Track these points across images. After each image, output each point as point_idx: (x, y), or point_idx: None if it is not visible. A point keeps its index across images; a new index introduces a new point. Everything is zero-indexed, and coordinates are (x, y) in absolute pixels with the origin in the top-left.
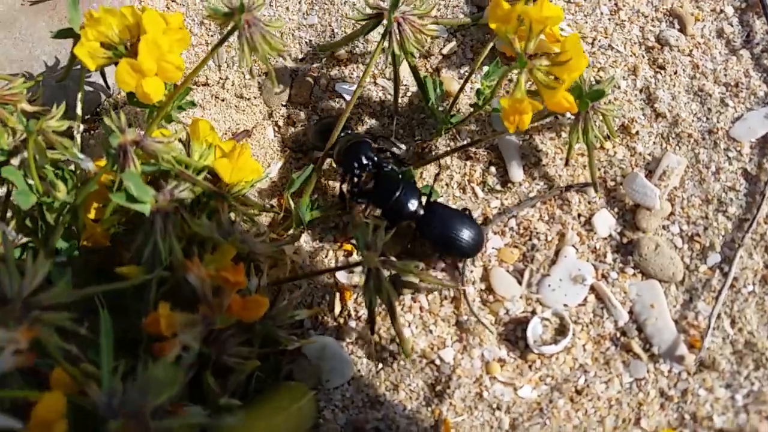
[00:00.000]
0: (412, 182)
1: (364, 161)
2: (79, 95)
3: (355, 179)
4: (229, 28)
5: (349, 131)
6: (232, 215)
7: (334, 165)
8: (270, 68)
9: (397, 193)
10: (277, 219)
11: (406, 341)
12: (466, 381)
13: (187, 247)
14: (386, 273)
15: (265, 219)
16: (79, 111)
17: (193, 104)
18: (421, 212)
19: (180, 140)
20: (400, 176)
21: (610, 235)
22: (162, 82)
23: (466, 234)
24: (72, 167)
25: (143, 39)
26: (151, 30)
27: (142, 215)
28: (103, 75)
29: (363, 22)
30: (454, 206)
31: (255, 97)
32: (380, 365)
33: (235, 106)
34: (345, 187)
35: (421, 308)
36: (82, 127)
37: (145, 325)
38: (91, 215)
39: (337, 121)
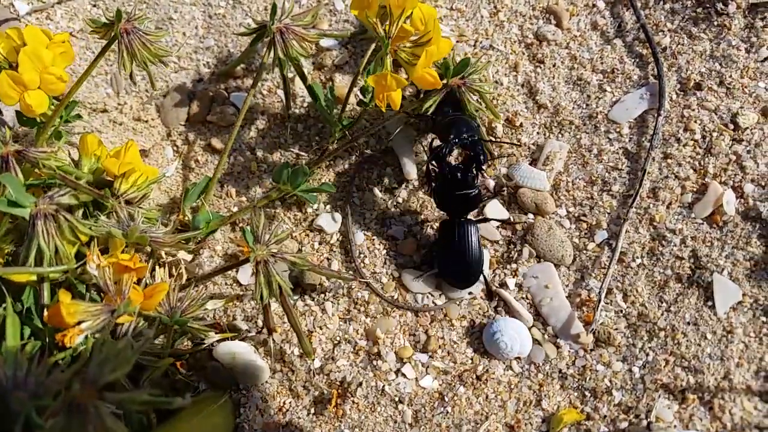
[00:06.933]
0: None
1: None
2: None
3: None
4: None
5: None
6: (132, 213)
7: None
8: (149, 72)
9: None
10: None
11: (305, 341)
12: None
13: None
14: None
15: None
16: None
17: (79, 117)
18: None
19: (73, 159)
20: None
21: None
22: (45, 95)
23: None
24: None
25: (23, 51)
26: (32, 42)
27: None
28: None
29: (250, 37)
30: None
31: (153, 119)
32: (282, 367)
33: (133, 128)
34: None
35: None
36: None
37: (48, 318)
38: None
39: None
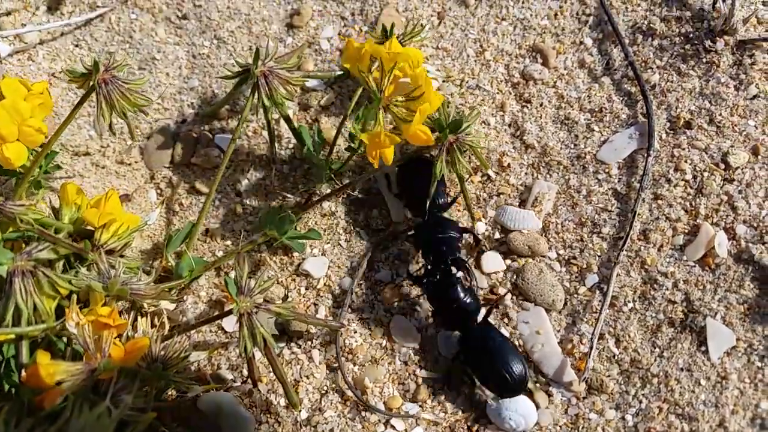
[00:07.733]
0: None
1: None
2: None
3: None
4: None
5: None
6: (114, 264)
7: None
8: (128, 123)
9: None
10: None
11: (291, 392)
12: None
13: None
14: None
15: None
16: None
17: (58, 167)
18: None
19: (53, 208)
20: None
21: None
22: (24, 147)
23: None
24: None
25: (0, 105)
26: (10, 96)
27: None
28: None
29: (234, 80)
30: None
31: (136, 162)
32: (268, 419)
33: (116, 172)
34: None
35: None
36: None
37: (26, 378)
38: None
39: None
